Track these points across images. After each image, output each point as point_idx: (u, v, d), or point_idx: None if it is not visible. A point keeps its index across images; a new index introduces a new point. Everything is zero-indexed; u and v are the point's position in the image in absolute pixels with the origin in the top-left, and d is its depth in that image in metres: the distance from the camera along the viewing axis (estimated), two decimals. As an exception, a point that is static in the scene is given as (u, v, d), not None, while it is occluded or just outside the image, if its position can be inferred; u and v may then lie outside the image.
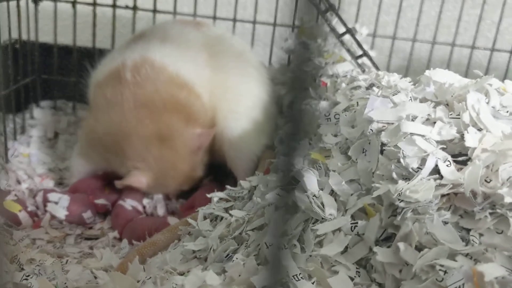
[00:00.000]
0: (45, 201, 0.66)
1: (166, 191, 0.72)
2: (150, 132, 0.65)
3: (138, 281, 0.44)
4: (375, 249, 0.36)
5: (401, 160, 0.39)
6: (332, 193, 0.43)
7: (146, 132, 0.65)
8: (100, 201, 0.69)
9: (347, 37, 0.68)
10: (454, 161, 0.39)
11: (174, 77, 0.67)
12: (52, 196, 0.67)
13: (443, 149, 0.40)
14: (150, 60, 0.67)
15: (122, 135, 0.65)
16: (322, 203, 0.42)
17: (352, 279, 0.37)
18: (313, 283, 0.37)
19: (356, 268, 0.38)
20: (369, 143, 0.43)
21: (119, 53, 0.71)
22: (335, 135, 0.50)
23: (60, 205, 0.66)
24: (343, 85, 0.60)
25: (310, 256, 0.39)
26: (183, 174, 0.69)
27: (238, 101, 0.72)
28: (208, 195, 0.58)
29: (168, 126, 0.65)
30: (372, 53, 0.71)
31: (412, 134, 0.40)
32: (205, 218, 0.54)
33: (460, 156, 0.39)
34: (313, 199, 0.42)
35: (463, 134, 0.40)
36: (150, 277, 0.44)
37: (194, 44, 0.72)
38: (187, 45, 0.72)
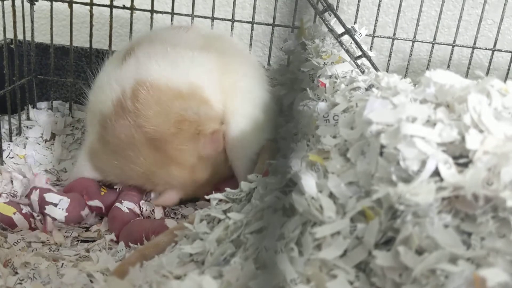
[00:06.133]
0: (42, 200, 0.65)
1: (200, 188, 0.72)
2: (171, 158, 0.67)
3: (134, 286, 0.43)
4: (375, 252, 0.36)
5: (401, 162, 0.38)
6: (331, 195, 0.42)
7: (167, 161, 0.67)
8: (94, 202, 0.68)
9: (346, 38, 0.68)
10: (455, 163, 0.38)
11: (178, 92, 0.68)
12: (51, 198, 0.66)
13: (443, 151, 0.39)
14: (148, 81, 0.67)
15: (143, 169, 0.67)
16: (320, 206, 0.41)
17: (351, 283, 0.36)
18: (311, 288, 0.36)
19: (355, 272, 0.37)
20: (369, 145, 0.42)
21: (115, 77, 0.69)
22: (334, 137, 0.49)
23: (60, 207, 0.65)
24: (342, 86, 0.59)
25: (309, 259, 0.38)
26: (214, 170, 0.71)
27: (239, 101, 0.71)
28: (207, 197, 0.58)
29: (182, 149, 0.68)
30: (371, 54, 0.70)
31: (412, 136, 0.40)
32: (202, 220, 0.54)
33: (461, 158, 0.39)
34: (311, 201, 0.41)
35: (464, 136, 0.39)
36: (147, 281, 0.44)
37: (189, 48, 0.72)
38: (184, 51, 0.71)
